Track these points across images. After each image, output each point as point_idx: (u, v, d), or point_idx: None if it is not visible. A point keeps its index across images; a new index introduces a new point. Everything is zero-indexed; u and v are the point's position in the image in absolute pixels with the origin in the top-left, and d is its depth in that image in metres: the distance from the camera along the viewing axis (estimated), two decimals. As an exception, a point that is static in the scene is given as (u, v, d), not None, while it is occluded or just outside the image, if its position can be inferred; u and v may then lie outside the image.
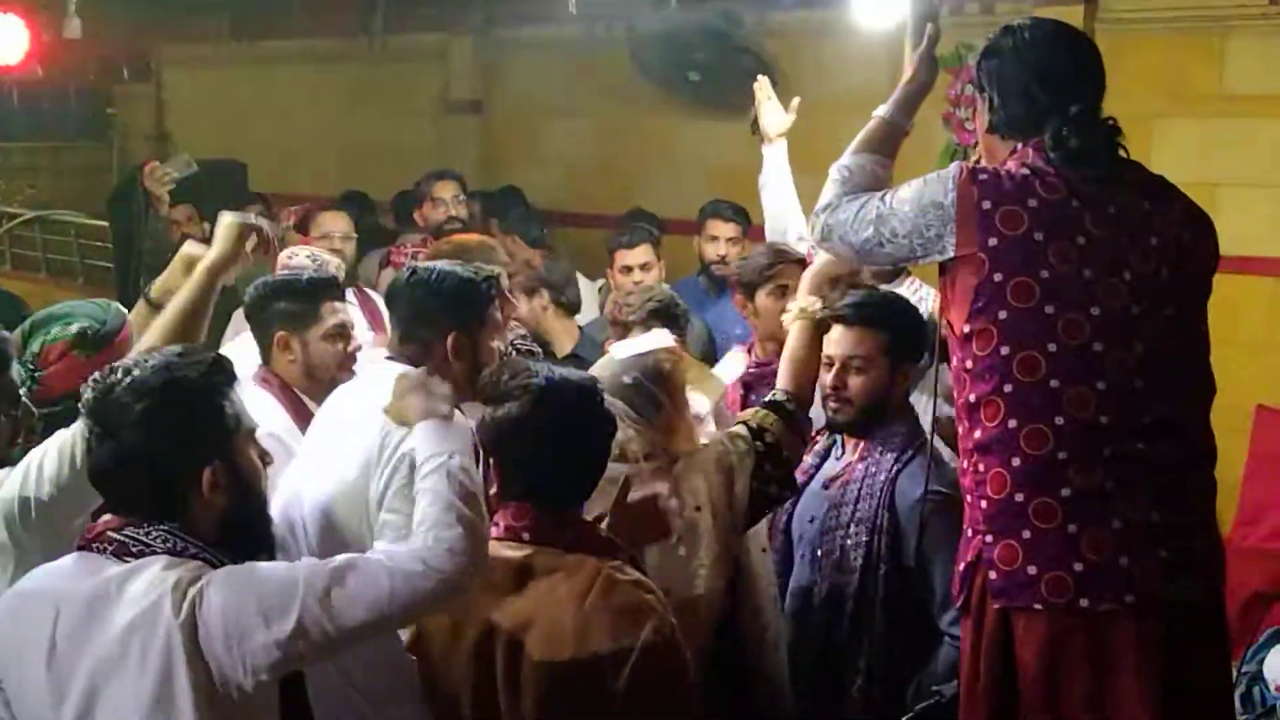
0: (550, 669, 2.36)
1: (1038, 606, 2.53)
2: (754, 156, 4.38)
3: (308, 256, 4.33)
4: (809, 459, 3.42)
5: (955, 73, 5.64)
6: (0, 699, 2.14)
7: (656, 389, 3.10)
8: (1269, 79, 5.35)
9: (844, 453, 3.34)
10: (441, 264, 3.14)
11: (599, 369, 3.18)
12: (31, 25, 6.26)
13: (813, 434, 3.60)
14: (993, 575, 2.57)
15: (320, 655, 2.17)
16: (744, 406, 3.69)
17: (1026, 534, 2.54)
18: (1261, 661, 4.38)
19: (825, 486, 3.28)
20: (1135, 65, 5.43)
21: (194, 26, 9.11)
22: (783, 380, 3.22)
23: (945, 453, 3.27)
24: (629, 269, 5.36)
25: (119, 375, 2.17)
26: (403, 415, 2.54)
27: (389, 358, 3.12)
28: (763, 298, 3.98)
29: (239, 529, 2.23)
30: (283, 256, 4.37)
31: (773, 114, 4.29)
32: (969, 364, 2.61)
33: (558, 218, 7.22)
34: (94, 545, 2.16)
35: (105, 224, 7.33)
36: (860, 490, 3.15)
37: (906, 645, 3.08)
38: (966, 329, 2.60)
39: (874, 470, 3.16)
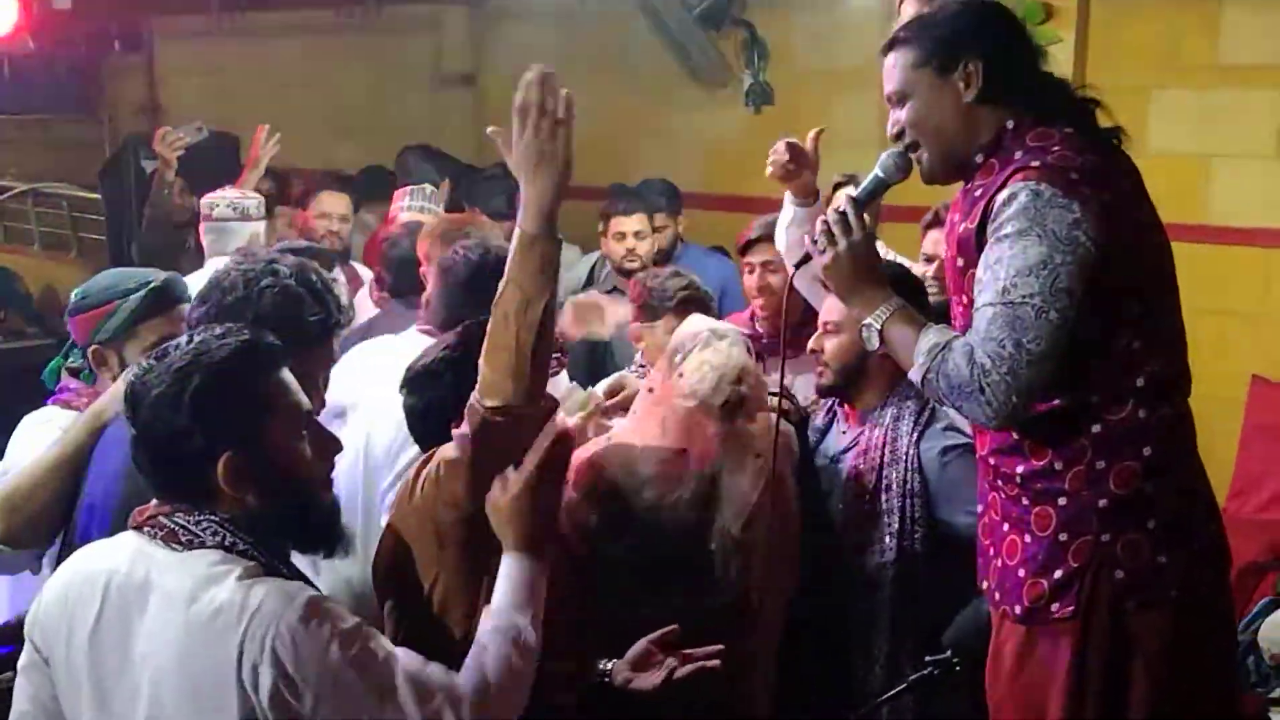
0: None
1: (1173, 594, 2.44)
2: (747, 129, 4.37)
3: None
4: (809, 434, 3.38)
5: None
6: (45, 669, 2.11)
7: None
8: (1265, 49, 5.33)
9: (847, 426, 3.29)
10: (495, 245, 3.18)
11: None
12: (21, -4, 6.20)
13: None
14: (1119, 574, 2.43)
15: None
16: None
17: (1151, 524, 2.42)
18: (1256, 631, 4.40)
19: (835, 460, 3.24)
20: (1131, 36, 5.41)
21: (186, -2, 9.06)
22: None
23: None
24: (622, 235, 5.35)
25: (159, 355, 2.06)
26: None
27: (421, 330, 3.17)
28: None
29: (279, 527, 2.07)
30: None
31: None
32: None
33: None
34: (144, 528, 2.05)
35: (98, 196, 7.29)
36: (883, 456, 3.12)
37: (948, 603, 3.00)
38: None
39: (893, 436, 3.13)
